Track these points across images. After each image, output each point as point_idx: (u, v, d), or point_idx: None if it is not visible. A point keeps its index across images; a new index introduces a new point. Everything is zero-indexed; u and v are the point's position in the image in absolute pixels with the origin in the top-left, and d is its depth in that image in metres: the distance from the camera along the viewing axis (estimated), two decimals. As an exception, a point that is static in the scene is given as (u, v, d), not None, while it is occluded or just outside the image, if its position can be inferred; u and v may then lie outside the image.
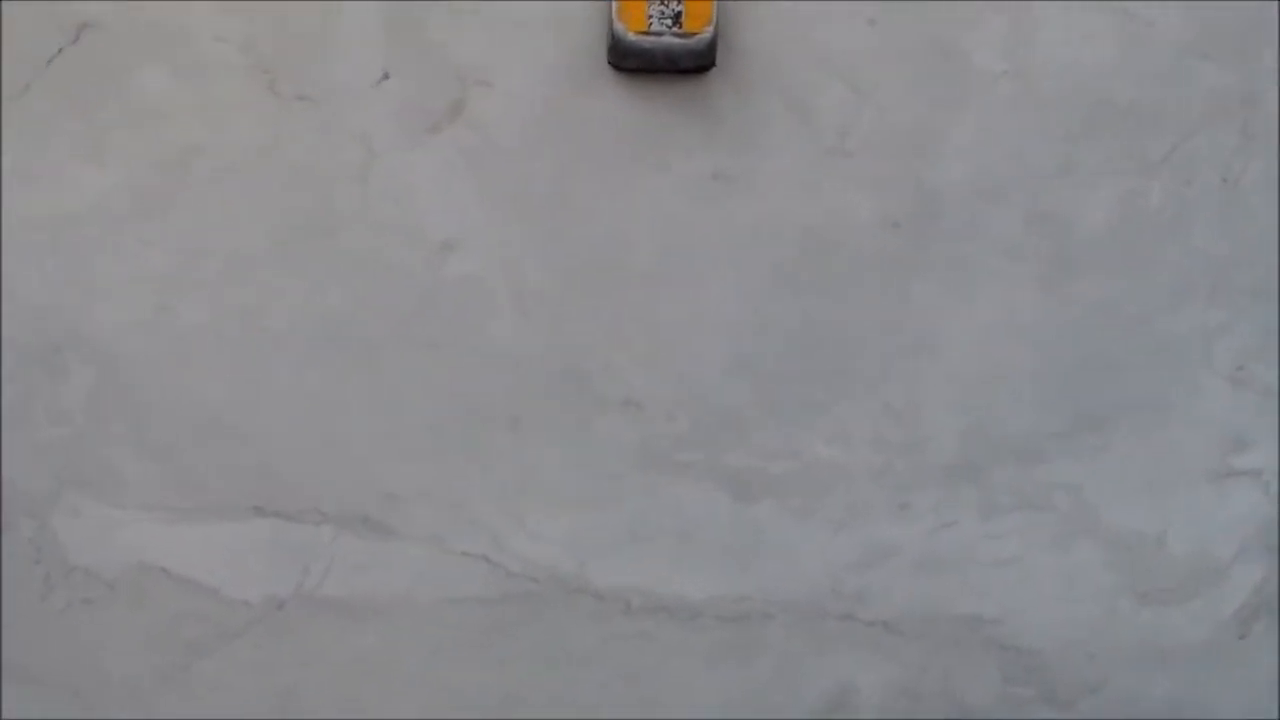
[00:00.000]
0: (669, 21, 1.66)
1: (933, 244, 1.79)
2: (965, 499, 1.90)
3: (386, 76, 1.69)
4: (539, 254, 1.76)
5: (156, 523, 1.82)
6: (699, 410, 1.83)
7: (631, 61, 1.67)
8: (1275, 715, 1.96)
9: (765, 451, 1.86)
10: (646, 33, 1.65)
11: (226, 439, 1.80)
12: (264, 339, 1.77)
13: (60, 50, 1.66)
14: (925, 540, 1.92)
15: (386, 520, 1.84)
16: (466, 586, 1.87)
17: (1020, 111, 1.76)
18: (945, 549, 1.92)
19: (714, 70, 1.71)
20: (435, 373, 1.79)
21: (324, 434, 1.80)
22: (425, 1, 1.68)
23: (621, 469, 1.85)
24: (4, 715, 1.80)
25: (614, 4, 1.66)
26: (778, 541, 1.90)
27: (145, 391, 1.77)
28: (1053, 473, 1.90)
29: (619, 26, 1.65)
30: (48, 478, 1.80)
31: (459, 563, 1.87)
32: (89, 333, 1.75)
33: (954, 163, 1.77)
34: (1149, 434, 1.89)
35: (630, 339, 1.80)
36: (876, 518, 1.90)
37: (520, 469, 1.83)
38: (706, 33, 1.66)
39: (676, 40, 1.66)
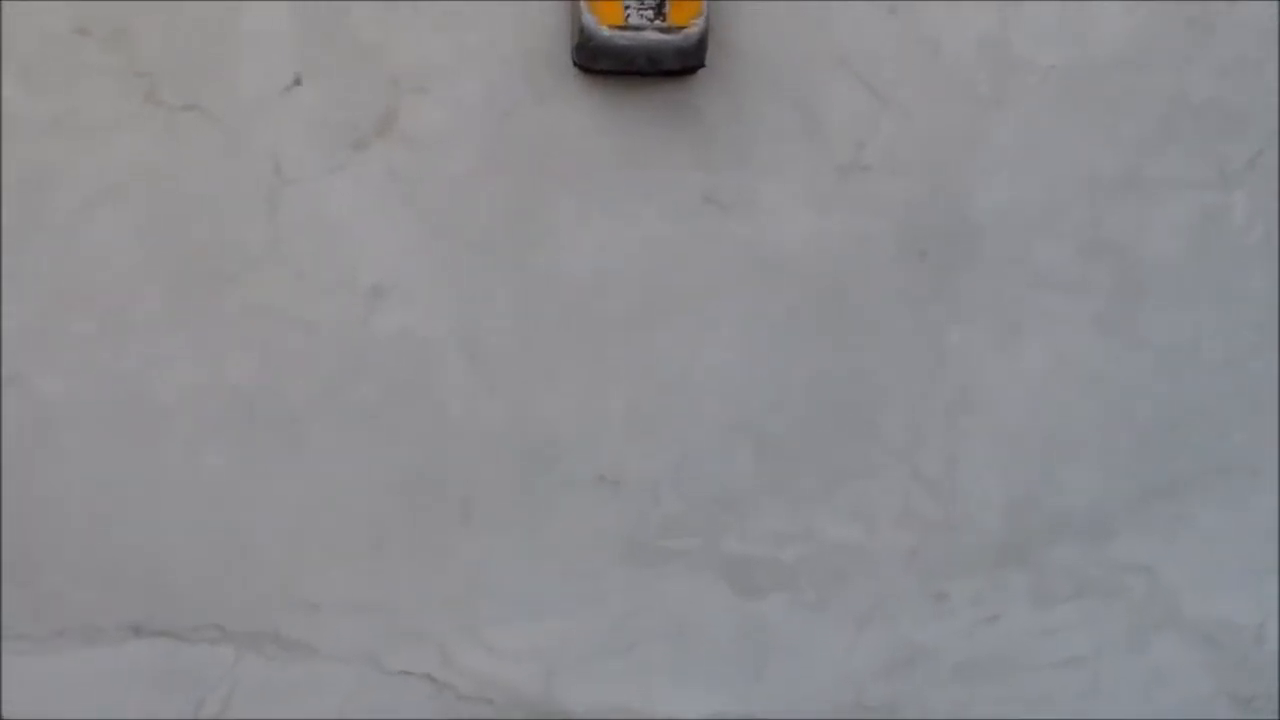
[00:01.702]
0: (650, 13, 1.62)
1: (969, 277, 1.78)
2: (1014, 586, 1.88)
3: (299, 82, 1.65)
4: (492, 300, 1.73)
5: (7, 654, 1.75)
6: (691, 486, 1.81)
7: (605, 62, 1.64)
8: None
9: (772, 535, 1.82)
10: (623, 27, 1.61)
11: (96, 541, 1.73)
12: (146, 413, 1.70)
13: None
14: (966, 638, 1.92)
15: (305, 636, 1.79)
16: (406, 714, 1.83)
17: (1073, 114, 1.78)
18: (991, 648, 1.92)
19: (704, 72, 1.67)
20: (366, 450, 1.75)
21: (224, 530, 1.74)
22: None
23: (597, 562, 1.81)
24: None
25: None
26: (790, 644, 1.88)
27: None
28: (1122, 551, 1.90)
29: (589, 20, 1.60)
30: None
31: (397, 685, 1.82)
32: None
33: (993, 178, 1.77)
34: (1239, 502, 1.90)
35: (607, 401, 1.76)
36: (907, 612, 1.89)
37: (473, 565, 1.79)
38: (695, 27, 1.62)
39: (659, 36, 1.61)
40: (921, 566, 1.85)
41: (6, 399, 1.67)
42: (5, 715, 1.74)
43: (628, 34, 1.60)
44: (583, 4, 1.60)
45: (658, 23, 1.61)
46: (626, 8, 1.60)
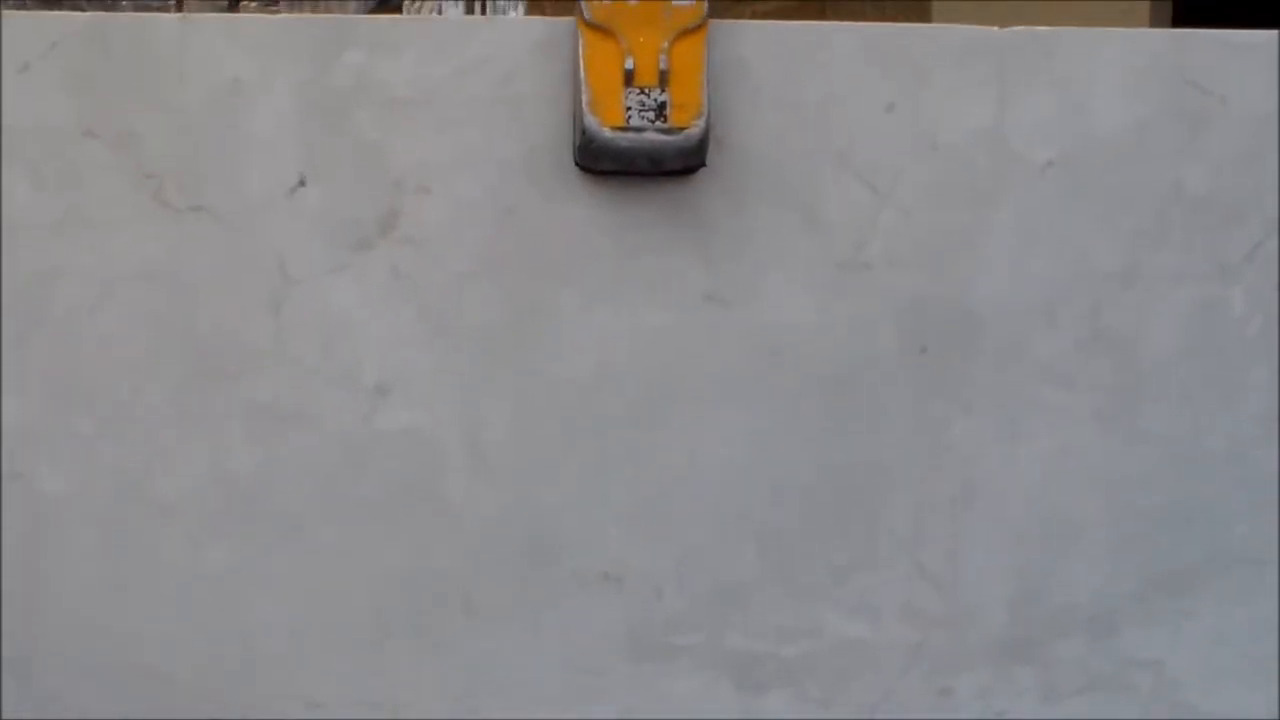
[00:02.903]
0: (651, 114, 1.62)
1: (970, 371, 1.77)
2: (1021, 681, 1.85)
3: (303, 183, 1.68)
4: (496, 397, 1.72)
5: (8, 753, 1.71)
6: (694, 582, 1.78)
7: (606, 163, 1.64)
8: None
9: (775, 630, 1.80)
10: (624, 128, 1.61)
11: (97, 640, 1.71)
12: (148, 509, 1.71)
13: None
14: (974, 734, 1.85)
15: (307, 733, 1.76)
16: (409, 809, 1.79)
17: (1071, 208, 1.76)
18: (998, 744, 1.87)
19: (704, 170, 1.69)
20: (370, 547, 1.73)
21: (225, 626, 1.73)
22: (351, 90, 1.64)
23: (601, 658, 1.78)
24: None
25: (584, 93, 1.61)
26: (794, 740, 1.82)
27: None
28: (1128, 646, 1.86)
29: (590, 120, 1.60)
30: None
31: (401, 782, 1.78)
32: None
33: (992, 273, 1.76)
34: (1244, 595, 1.86)
35: (609, 498, 1.75)
36: (912, 708, 1.86)
37: (476, 662, 1.76)
38: (696, 127, 1.62)
39: (661, 136, 1.62)
40: (926, 662, 1.82)
41: (8, 495, 1.67)
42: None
43: (629, 135, 1.60)
44: (584, 105, 1.60)
45: (659, 124, 1.61)
46: (628, 109, 1.60)
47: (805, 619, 1.80)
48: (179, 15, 1.65)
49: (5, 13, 1.58)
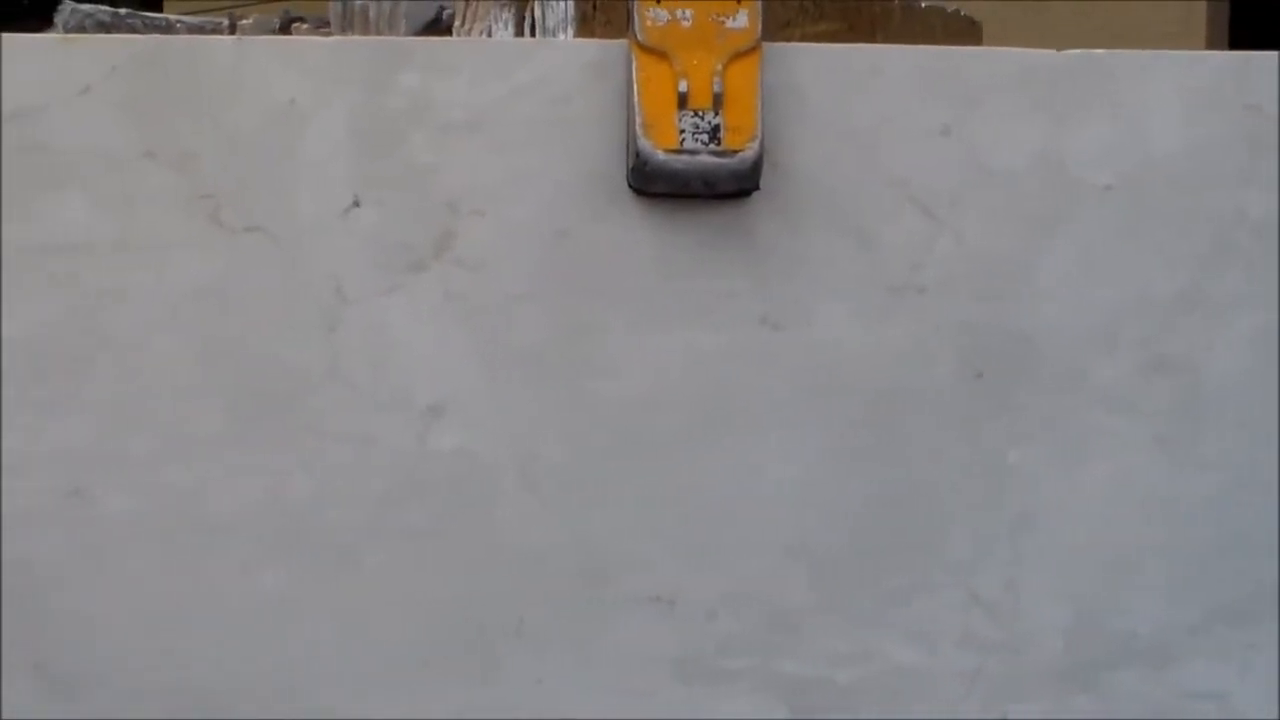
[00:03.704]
0: (704, 137, 1.62)
1: (1027, 398, 1.75)
2: (1080, 711, 1.81)
3: (358, 204, 1.67)
4: (548, 420, 1.71)
5: (61, 775, 1.72)
6: (747, 607, 1.76)
7: (659, 185, 1.64)
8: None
9: (830, 656, 1.77)
10: (678, 150, 1.61)
11: (153, 662, 1.70)
12: (205, 531, 1.69)
13: None
14: (1031, 764, 1.87)
15: (359, 757, 1.77)
16: (460, 834, 1.80)
17: (1130, 233, 1.74)
18: (1055, 775, 1.87)
19: (758, 194, 1.68)
20: (421, 570, 1.72)
21: (280, 651, 1.71)
22: (405, 112, 1.65)
23: (652, 682, 1.75)
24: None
25: (637, 116, 1.61)
26: (848, 768, 1.84)
27: (46, 601, 1.69)
28: (1190, 678, 1.81)
29: (644, 143, 1.61)
30: None
31: (450, 806, 1.79)
32: None
33: (1050, 299, 1.74)
34: None
35: (661, 522, 1.73)
36: None
37: (527, 685, 1.74)
38: (750, 150, 1.62)
39: (714, 159, 1.62)
40: (983, 690, 1.80)
41: (69, 515, 1.67)
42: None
43: (683, 158, 1.60)
44: (638, 128, 1.60)
45: (713, 146, 1.61)
46: (682, 132, 1.60)
47: (859, 644, 1.78)
48: (235, 38, 1.67)
49: (67, 36, 1.61)
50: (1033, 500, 1.77)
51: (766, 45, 1.65)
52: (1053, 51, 1.72)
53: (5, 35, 1.66)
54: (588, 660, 1.75)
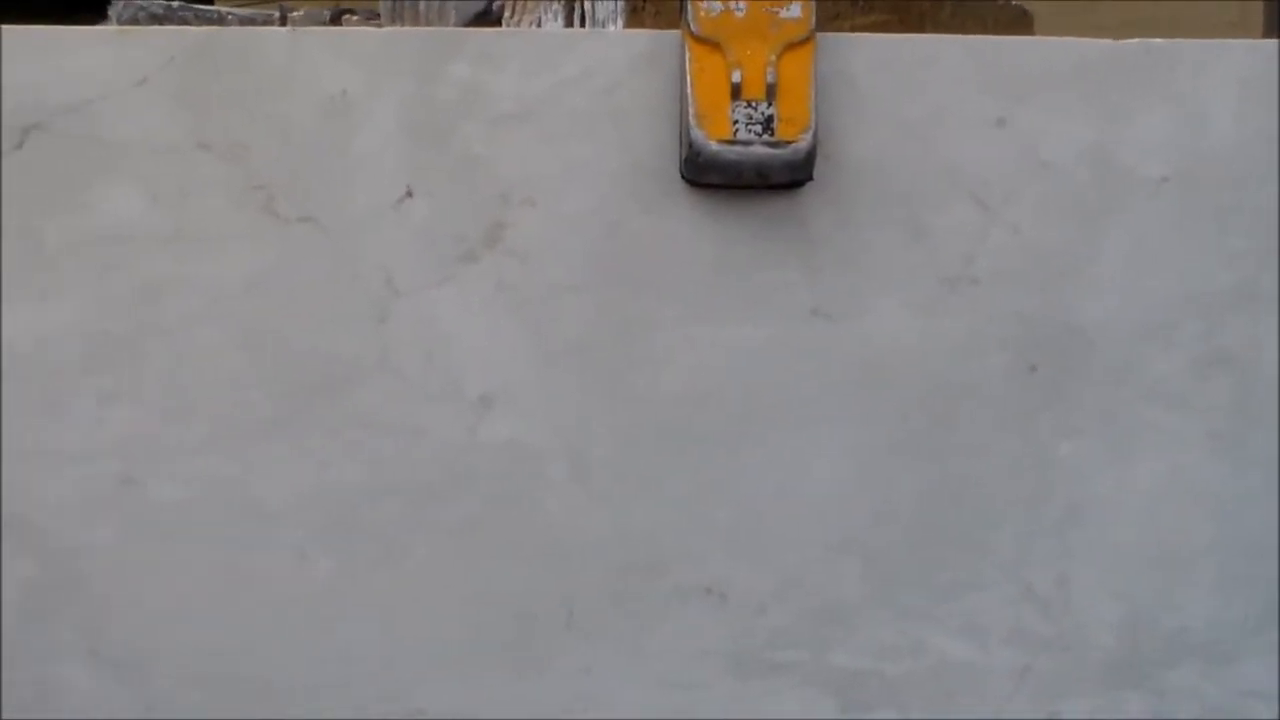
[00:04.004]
0: (758, 128, 1.61)
1: (1080, 392, 1.73)
2: (1132, 708, 1.80)
3: (410, 194, 1.66)
4: (599, 412, 1.70)
5: (118, 755, 1.74)
6: (798, 599, 1.75)
7: (713, 176, 1.63)
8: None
9: (880, 649, 1.77)
10: (731, 141, 1.60)
11: (205, 648, 1.71)
12: (255, 520, 1.69)
13: None
14: (1083, 760, 1.85)
15: (408, 746, 1.77)
16: (507, 825, 1.80)
17: (1187, 226, 1.72)
18: (1107, 771, 1.85)
19: (811, 185, 1.67)
20: (470, 561, 1.72)
21: (330, 639, 1.72)
22: (457, 103, 1.65)
23: (702, 674, 1.75)
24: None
25: (690, 106, 1.60)
26: (898, 762, 1.83)
27: (100, 587, 1.69)
28: (1244, 676, 1.80)
29: (697, 134, 1.60)
30: None
31: (498, 796, 1.79)
32: (27, 513, 1.68)
33: (1104, 292, 1.72)
34: None
35: (712, 514, 1.72)
36: None
37: (576, 677, 1.74)
38: (804, 141, 1.61)
39: (768, 150, 1.61)
40: (1033, 686, 1.79)
41: (122, 503, 1.69)
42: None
43: (736, 148, 1.59)
44: (691, 118, 1.59)
45: (766, 137, 1.60)
46: (735, 123, 1.59)
47: (910, 638, 1.77)
48: (288, 29, 1.67)
49: (124, 28, 1.62)
50: (1084, 495, 1.76)
51: (820, 36, 1.64)
52: (1109, 41, 1.70)
53: (62, 27, 1.68)
54: (637, 653, 1.75)
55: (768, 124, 1.59)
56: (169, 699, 1.71)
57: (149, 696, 1.70)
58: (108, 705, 1.71)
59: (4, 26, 1.66)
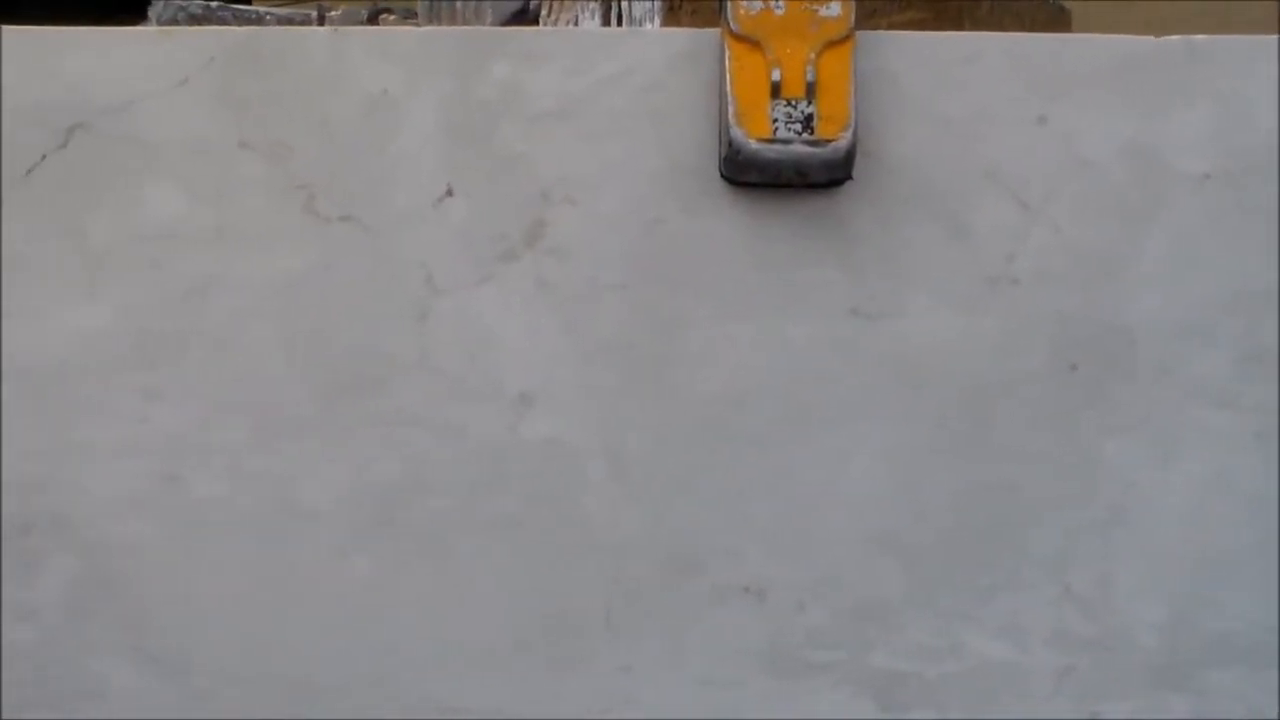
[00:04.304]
0: (798, 126, 1.61)
1: (1122, 391, 1.73)
2: (1173, 710, 1.78)
3: (450, 193, 1.68)
4: (638, 410, 1.72)
5: (161, 750, 1.75)
6: (837, 598, 1.75)
7: (752, 174, 1.64)
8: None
9: (919, 649, 1.76)
10: (771, 140, 1.61)
11: (246, 645, 1.73)
12: (296, 518, 1.71)
13: (44, 158, 1.66)
14: (1125, 762, 1.84)
15: (448, 744, 1.77)
16: (546, 822, 1.80)
17: (1229, 224, 1.71)
18: (1149, 774, 1.84)
19: (850, 183, 1.68)
20: (510, 558, 1.73)
21: (370, 637, 1.73)
22: (497, 102, 1.66)
23: (741, 673, 1.75)
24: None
25: (730, 105, 1.61)
26: (936, 763, 1.82)
27: (142, 584, 1.71)
28: None
29: (737, 132, 1.60)
30: (9, 696, 1.72)
31: (537, 793, 1.79)
32: (70, 510, 1.70)
33: (1146, 290, 1.72)
34: None
35: (751, 512, 1.73)
36: None
37: (616, 675, 1.74)
38: (843, 139, 1.61)
39: (807, 148, 1.61)
40: (1074, 687, 1.78)
41: (165, 501, 1.70)
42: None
43: (776, 147, 1.60)
44: (731, 117, 1.60)
45: (806, 136, 1.60)
46: (774, 121, 1.60)
47: (950, 639, 1.77)
48: (329, 29, 1.69)
49: (166, 29, 1.63)
50: (1126, 495, 1.75)
51: (859, 34, 1.64)
52: (1150, 38, 1.69)
53: (104, 28, 1.70)
54: (676, 651, 1.75)
55: (807, 122, 1.60)
56: (210, 696, 1.72)
57: (190, 694, 1.71)
58: (149, 703, 1.72)
59: (46, 28, 1.68)
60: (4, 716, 1.78)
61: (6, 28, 1.66)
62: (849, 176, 1.64)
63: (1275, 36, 1.74)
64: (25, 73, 1.65)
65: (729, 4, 1.60)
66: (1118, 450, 1.74)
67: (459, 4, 2.72)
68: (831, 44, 1.61)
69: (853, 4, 1.62)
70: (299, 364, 1.69)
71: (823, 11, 1.61)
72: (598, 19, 2.30)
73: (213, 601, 1.72)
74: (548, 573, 1.74)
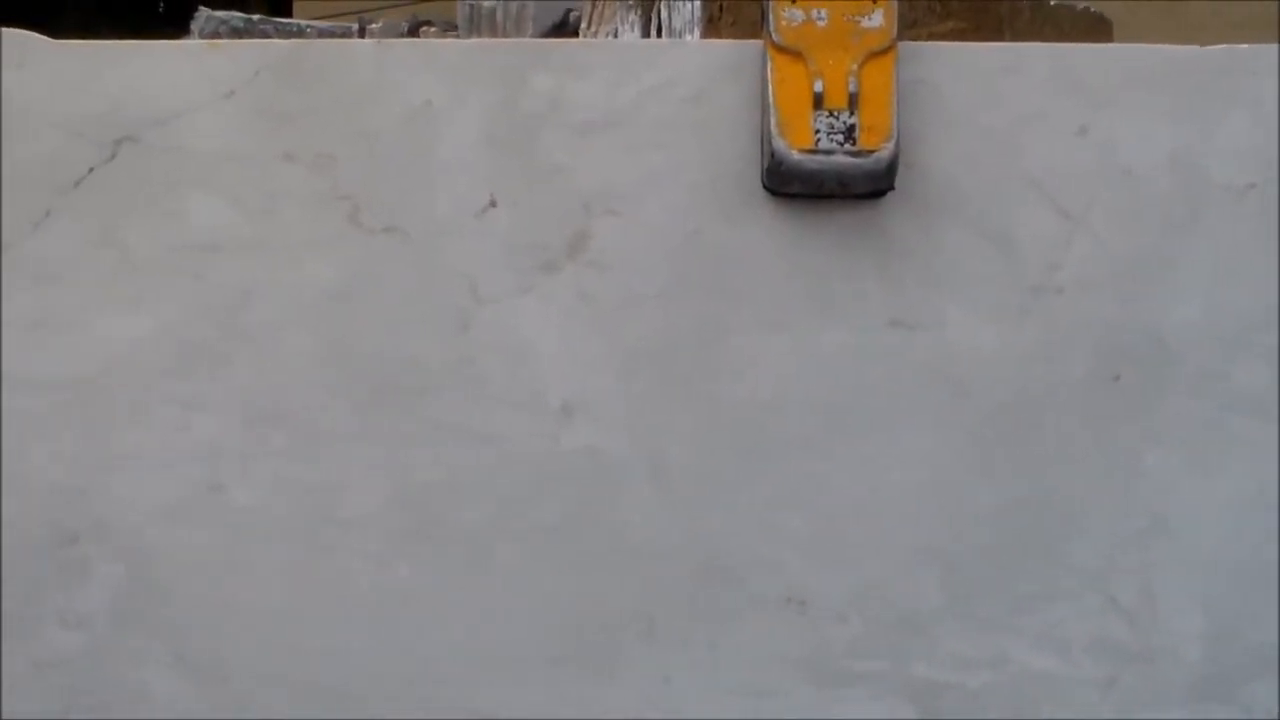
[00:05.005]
0: (840, 137, 1.62)
1: (1164, 401, 1.72)
2: None
3: (493, 204, 1.70)
4: (680, 420, 1.71)
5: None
6: (877, 608, 1.75)
7: (794, 185, 1.64)
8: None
9: (960, 660, 1.76)
10: (813, 150, 1.62)
11: (287, 652, 1.74)
12: (337, 527, 1.72)
13: (91, 170, 1.68)
14: (1168, 776, 1.81)
15: (488, 752, 1.77)
16: (586, 832, 1.79)
17: (1272, 234, 1.71)
18: (1192, 788, 1.82)
19: (892, 194, 1.68)
20: (550, 567, 1.73)
21: (410, 645, 1.74)
22: (540, 113, 1.67)
23: (781, 682, 1.75)
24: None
25: (772, 116, 1.62)
26: (978, 774, 1.80)
27: (186, 593, 1.72)
28: None
29: (779, 143, 1.61)
30: (54, 703, 1.73)
31: (576, 804, 1.78)
32: (114, 519, 1.71)
33: (1188, 300, 1.72)
34: None
35: (791, 522, 1.73)
36: None
37: (655, 685, 1.74)
38: (885, 150, 1.62)
39: (849, 159, 1.62)
40: (1117, 698, 1.77)
41: (207, 509, 1.71)
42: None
43: (818, 158, 1.60)
44: (773, 127, 1.60)
45: (848, 146, 1.61)
46: (817, 132, 1.60)
47: (991, 649, 1.76)
48: (374, 41, 1.70)
49: (212, 42, 1.65)
50: (1168, 505, 1.74)
51: (901, 44, 1.64)
52: (1194, 47, 1.69)
53: (151, 41, 1.72)
54: (716, 661, 1.74)
55: (850, 133, 1.60)
56: (251, 703, 1.72)
57: (231, 701, 1.72)
58: (188, 710, 1.72)
59: (93, 42, 1.70)
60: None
61: (54, 42, 1.68)
62: (891, 187, 1.64)
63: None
64: (72, 87, 1.67)
65: (771, 15, 1.61)
66: (1159, 460, 1.73)
67: (499, 15, 2.73)
68: (874, 55, 1.61)
69: (895, 15, 1.62)
70: (341, 374, 1.69)
71: (865, 22, 1.61)
72: (638, 30, 2.32)
73: (254, 609, 1.73)
74: (587, 582, 1.74)
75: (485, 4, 2.72)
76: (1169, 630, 1.77)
